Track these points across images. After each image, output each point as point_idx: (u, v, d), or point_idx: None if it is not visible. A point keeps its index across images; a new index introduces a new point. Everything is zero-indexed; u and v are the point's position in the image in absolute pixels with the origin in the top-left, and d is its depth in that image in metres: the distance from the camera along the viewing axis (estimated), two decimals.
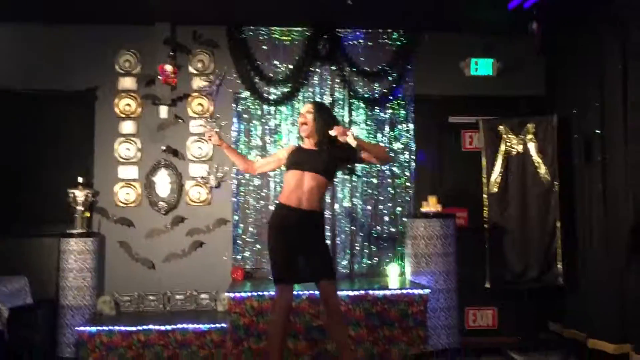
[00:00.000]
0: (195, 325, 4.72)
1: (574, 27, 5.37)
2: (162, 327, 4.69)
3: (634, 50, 4.66)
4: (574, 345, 5.12)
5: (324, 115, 3.88)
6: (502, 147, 5.52)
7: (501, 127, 5.52)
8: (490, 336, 5.52)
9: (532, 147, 5.43)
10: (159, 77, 5.25)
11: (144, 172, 5.45)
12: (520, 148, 5.47)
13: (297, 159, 3.85)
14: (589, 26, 5.19)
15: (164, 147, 5.45)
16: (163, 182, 5.46)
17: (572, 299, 5.32)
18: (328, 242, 4.03)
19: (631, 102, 4.68)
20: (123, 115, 5.46)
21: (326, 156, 3.80)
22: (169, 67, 5.20)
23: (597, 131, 5.01)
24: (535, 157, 5.41)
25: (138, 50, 5.48)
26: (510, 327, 5.54)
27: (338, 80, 5.64)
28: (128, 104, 5.46)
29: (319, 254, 3.79)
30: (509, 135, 5.51)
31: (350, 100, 5.67)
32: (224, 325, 4.72)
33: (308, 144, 3.90)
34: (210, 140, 4.04)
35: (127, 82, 5.49)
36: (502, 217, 5.45)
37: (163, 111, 5.45)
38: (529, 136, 5.44)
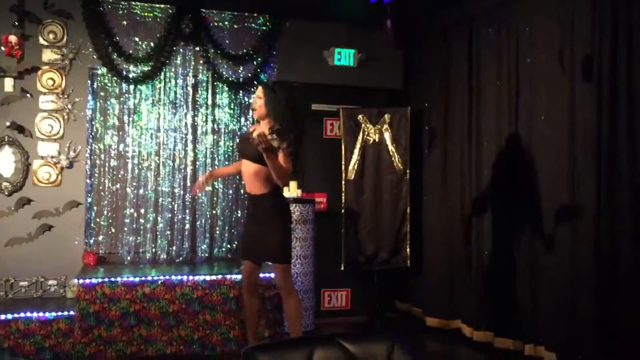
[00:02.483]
0: (40, 314, 4.47)
1: (426, 26, 5.72)
2: (2, 316, 4.38)
3: (478, 50, 5.07)
4: (416, 323, 5.57)
5: (274, 99, 3.97)
6: (361, 136, 5.76)
7: (360, 117, 5.75)
8: (343, 316, 5.82)
9: (387, 136, 5.72)
10: (2, 47, 4.82)
11: None
12: (376, 137, 5.74)
13: (239, 148, 4.13)
14: (439, 26, 5.55)
15: (8, 123, 5.04)
16: (7, 161, 5.05)
17: (416, 280, 5.74)
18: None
19: (474, 99, 5.10)
20: None
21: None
22: (13, 38, 4.78)
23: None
24: (390, 146, 5.70)
25: None
26: (362, 307, 5.87)
27: (202, 62, 5.54)
28: None
29: (267, 237, 3.94)
30: (367, 125, 5.75)
31: (214, 83, 5.60)
32: (72, 313, 4.51)
33: (263, 127, 3.95)
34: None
35: None
36: (357, 203, 5.71)
37: (8, 84, 5.03)
38: (385, 126, 5.71)
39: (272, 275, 4.70)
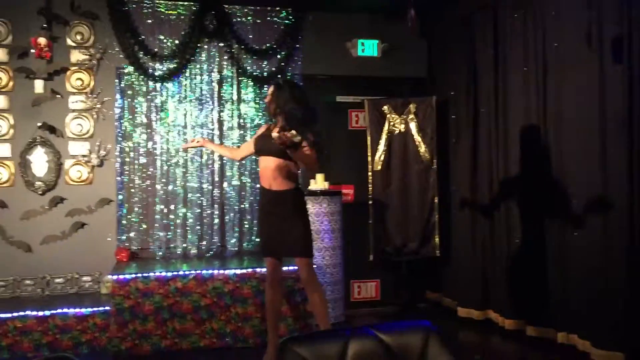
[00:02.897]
0: (77, 310, 4.58)
1: (450, 13, 5.66)
2: (40, 313, 4.50)
3: (504, 35, 5.00)
4: (448, 313, 5.54)
5: (283, 95, 3.92)
6: (386, 126, 5.73)
7: (385, 107, 5.73)
8: (374, 307, 5.82)
9: (413, 126, 5.68)
10: (32, 50, 4.93)
11: (17, 150, 5.13)
12: (402, 127, 5.71)
13: (257, 145, 4.08)
14: (463, 12, 5.49)
15: (39, 124, 5.15)
16: (40, 161, 5.17)
17: (446, 270, 5.71)
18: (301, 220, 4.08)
19: (502, 86, 5.04)
20: None
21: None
22: (42, 40, 4.88)
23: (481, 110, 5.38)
24: (416, 136, 5.67)
25: (9, 20, 5.10)
26: (392, 298, 5.87)
27: (226, 57, 5.58)
28: None
29: (292, 232, 3.96)
30: (393, 115, 5.73)
31: (239, 78, 5.63)
32: (107, 308, 4.61)
33: (277, 124, 3.94)
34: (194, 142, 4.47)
35: None
36: (385, 193, 5.70)
37: (38, 85, 5.14)
38: (411, 116, 5.68)
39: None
